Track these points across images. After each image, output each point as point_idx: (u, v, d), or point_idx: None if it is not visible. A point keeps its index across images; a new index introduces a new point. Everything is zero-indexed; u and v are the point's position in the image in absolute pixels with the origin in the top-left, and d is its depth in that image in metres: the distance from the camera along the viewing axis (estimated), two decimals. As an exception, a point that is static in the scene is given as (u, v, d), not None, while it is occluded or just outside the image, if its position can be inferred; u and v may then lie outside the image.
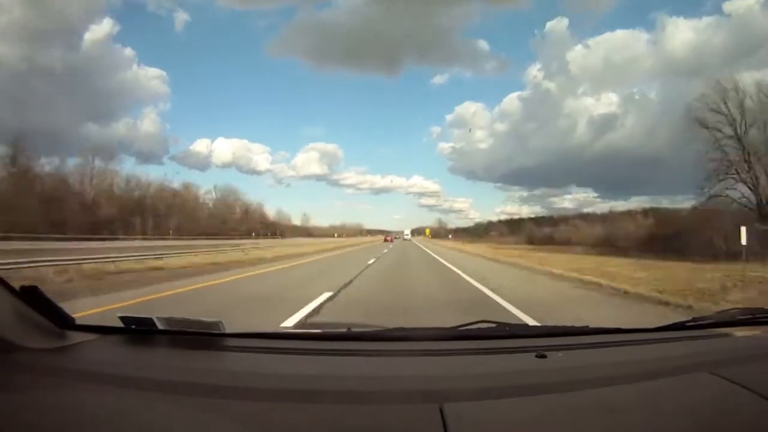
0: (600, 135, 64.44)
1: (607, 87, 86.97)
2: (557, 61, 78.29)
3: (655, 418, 0.81)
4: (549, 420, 0.80)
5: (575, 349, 1.18)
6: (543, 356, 1.05)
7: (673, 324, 1.44)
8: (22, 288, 0.95)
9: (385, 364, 1.09)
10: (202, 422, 0.76)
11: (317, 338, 1.28)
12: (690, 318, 1.48)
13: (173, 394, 0.84)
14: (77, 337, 1.06)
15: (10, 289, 0.93)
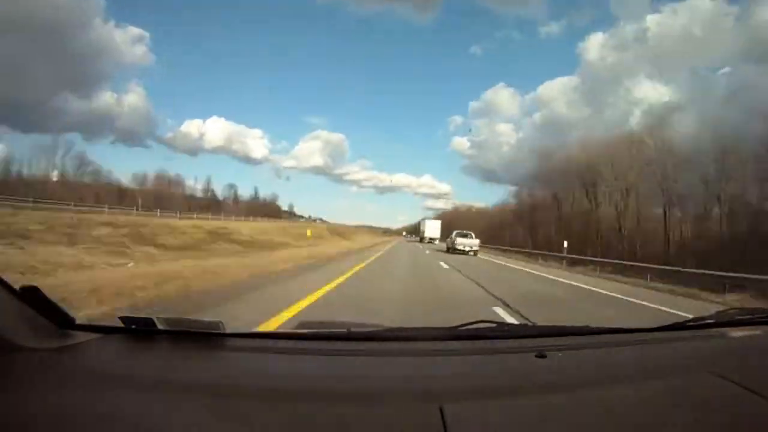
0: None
1: (674, 70, 69.44)
2: (619, 38, 65.91)
3: (655, 418, 0.81)
4: (549, 420, 0.80)
5: (575, 349, 1.18)
6: (543, 356, 1.05)
7: (673, 324, 1.44)
8: (22, 288, 0.95)
9: (385, 364, 1.09)
10: (202, 422, 0.76)
11: (317, 338, 1.28)
12: (690, 318, 1.48)
13: (173, 394, 0.84)
14: (77, 337, 1.06)
15: (10, 289, 0.93)
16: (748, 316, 1.42)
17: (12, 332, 0.90)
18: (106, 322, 1.20)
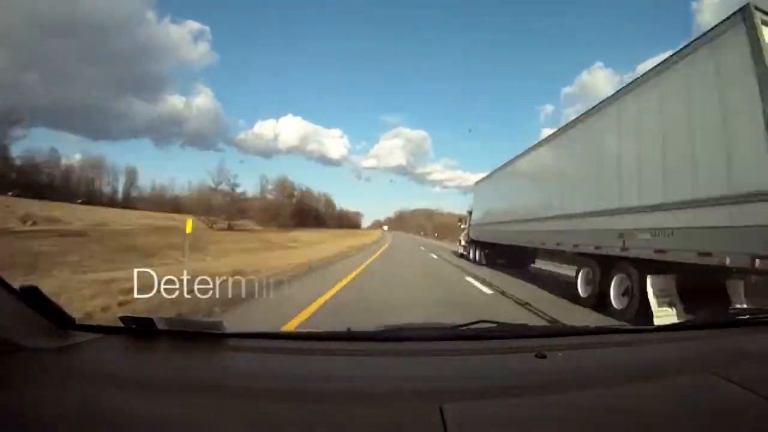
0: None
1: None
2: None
3: (655, 418, 0.81)
4: (549, 420, 0.80)
5: (575, 349, 1.18)
6: (543, 356, 1.05)
7: (673, 324, 1.44)
8: (23, 288, 0.95)
9: (385, 364, 1.09)
10: (202, 422, 0.76)
11: (317, 338, 1.28)
12: (690, 318, 1.48)
13: (173, 393, 0.84)
14: (77, 337, 1.06)
15: (10, 289, 0.93)
16: (749, 316, 1.42)
17: (12, 332, 0.91)
18: (106, 322, 1.20)
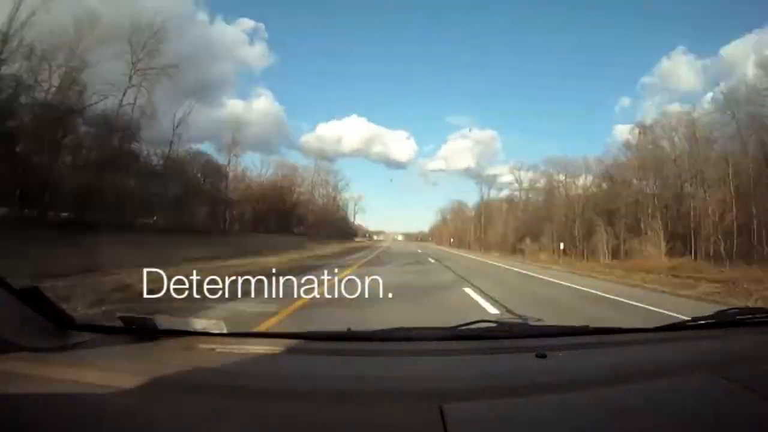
0: None
1: None
2: None
3: (655, 418, 0.81)
4: (549, 420, 0.80)
5: (575, 349, 1.18)
6: (543, 356, 1.05)
7: (673, 324, 1.44)
8: (23, 288, 0.95)
9: (385, 364, 1.09)
10: (202, 422, 0.76)
11: (317, 338, 1.28)
12: (690, 318, 1.48)
13: (173, 393, 0.84)
14: (78, 337, 1.06)
15: (11, 289, 0.93)
16: (749, 316, 1.42)
17: (12, 332, 0.91)
18: (106, 322, 1.20)
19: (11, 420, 0.74)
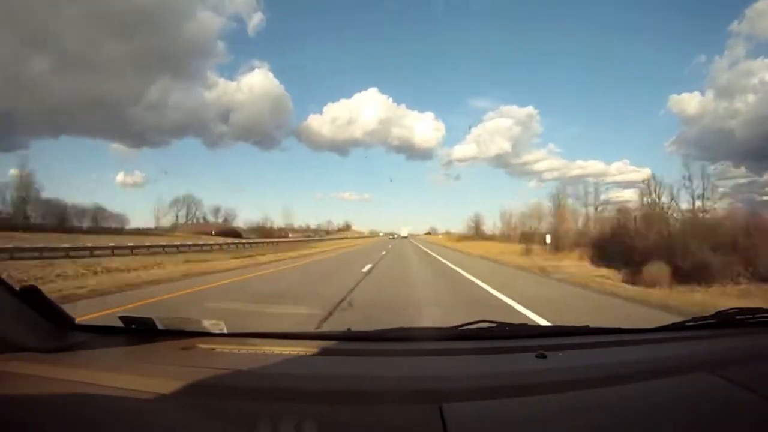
0: None
1: None
2: None
3: (655, 418, 0.81)
4: (549, 420, 0.80)
5: (575, 349, 1.18)
6: (543, 356, 1.05)
7: (673, 324, 1.44)
8: (23, 288, 0.95)
9: (385, 364, 1.09)
10: (202, 422, 0.76)
11: (317, 338, 1.28)
12: (690, 318, 1.48)
13: (173, 394, 0.84)
14: (77, 337, 1.07)
15: (11, 289, 0.93)
16: (748, 316, 1.42)
17: (12, 333, 0.91)
18: (106, 323, 1.21)
19: (11, 420, 0.74)
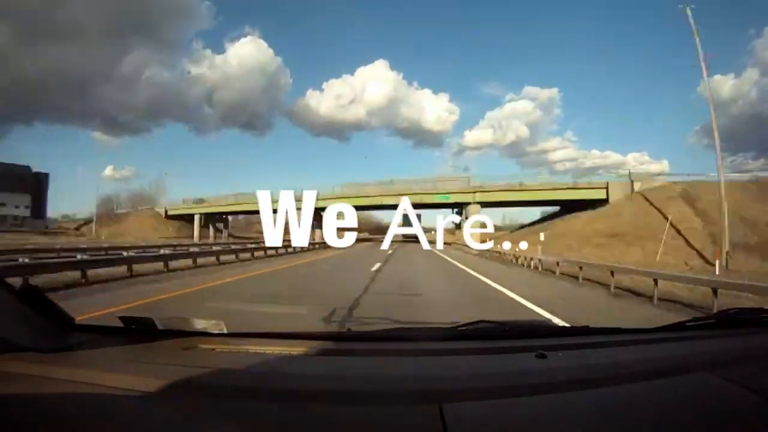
0: None
1: None
2: None
3: (655, 418, 0.81)
4: (549, 420, 0.80)
5: (575, 349, 1.18)
6: (543, 356, 1.05)
7: (673, 324, 1.44)
8: (23, 289, 0.96)
9: (385, 364, 1.09)
10: (202, 422, 0.76)
11: (317, 338, 1.29)
12: (690, 318, 1.48)
13: (173, 394, 0.84)
14: (78, 337, 1.07)
15: (11, 289, 0.93)
16: (749, 316, 1.42)
17: (13, 333, 0.91)
18: (106, 323, 1.21)
19: (11, 420, 0.74)
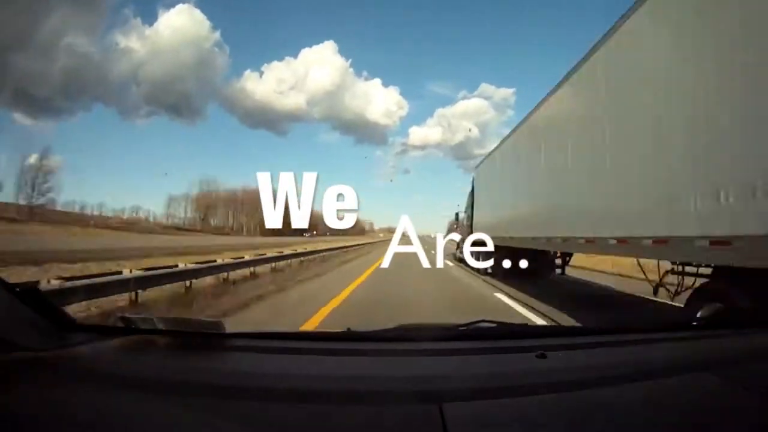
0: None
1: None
2: None
3: (655, 418, 0.81)
4: (549, 420, 0.80)
5: (575, 349, 1.18)
6: (543, 356, 1.05)
7: (673, 324, 1.44)
8: (23, 289, 0.95)
9: (385, 364, 1.09)
10: (202, 422, 0.76)
11: (317, 338, 1.29)
12: (690, 318, 1.49)
13: (173, 394, 0.84)
14: (77, 337, 1.06)
15: (10, 289, 0.93)
16: (748, 317, 1.42)
17: (13, 333, 0.91)
18: (106, 323, 1.20)
19: (11, 420, 0.74)
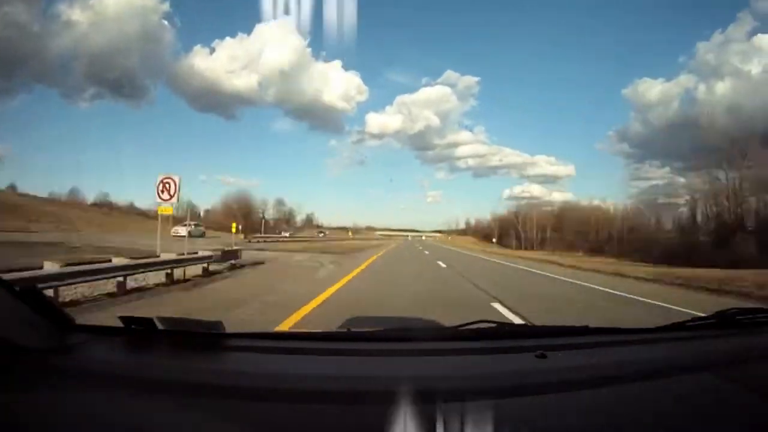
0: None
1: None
2: None
3: (654, 418, 0.81)
4: (549, 420, 0.80)
5: (575, 349, 1.18)
6: (543, 356, 1.05)
7: (673, 324, 1.44)
8: (22, 289, 0.95)
9: (384, 364, 1.09)
10: (202, 422, 0.76)
11: (317, 338, 1.28)
12: (690, 318, 1.48)
13: (173, 394, 0.84)
14: (77, 338, 1.06)
15: (10, 289, 0.93)
16: (749, 317, 1.42)
17: (12, 333, 0.91)
18: (106, 323, 1.20)
19: (11, 420, 0.74)
